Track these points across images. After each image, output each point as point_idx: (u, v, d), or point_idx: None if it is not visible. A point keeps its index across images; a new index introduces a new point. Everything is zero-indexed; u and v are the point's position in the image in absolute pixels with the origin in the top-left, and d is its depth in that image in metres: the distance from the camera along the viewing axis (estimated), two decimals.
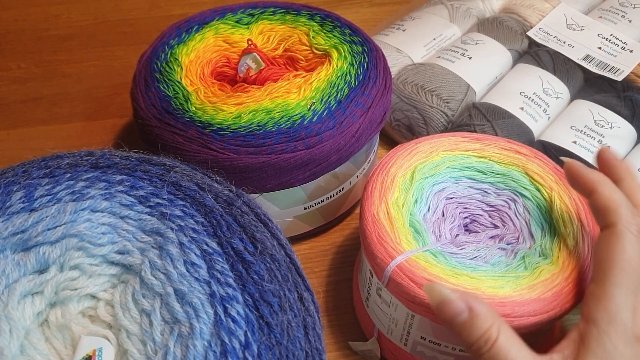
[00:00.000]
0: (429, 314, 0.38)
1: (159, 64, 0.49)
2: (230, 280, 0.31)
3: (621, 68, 0.57)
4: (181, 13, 0.75)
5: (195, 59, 0.50)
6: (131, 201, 0.34)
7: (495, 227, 0.42)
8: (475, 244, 0.41)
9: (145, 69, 0.50)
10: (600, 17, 0.63)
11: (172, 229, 0.33)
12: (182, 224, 0.33)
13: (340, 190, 0.50)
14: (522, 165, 0.44)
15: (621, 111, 0.55)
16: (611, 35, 0.61)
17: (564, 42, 0.60)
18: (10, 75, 0.69)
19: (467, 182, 0.44)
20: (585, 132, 0.53)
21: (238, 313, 0.30)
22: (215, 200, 0.35)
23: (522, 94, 0.56)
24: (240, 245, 0.33)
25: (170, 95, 0.46)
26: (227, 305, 0.30)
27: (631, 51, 0.59)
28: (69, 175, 0.35)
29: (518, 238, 0.41)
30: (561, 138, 0.53)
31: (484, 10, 0.67)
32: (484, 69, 0.59)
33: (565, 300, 0.37)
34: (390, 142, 0.62)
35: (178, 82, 0.47)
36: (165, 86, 0.47)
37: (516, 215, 0.42)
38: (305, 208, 0.49)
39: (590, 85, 0.59)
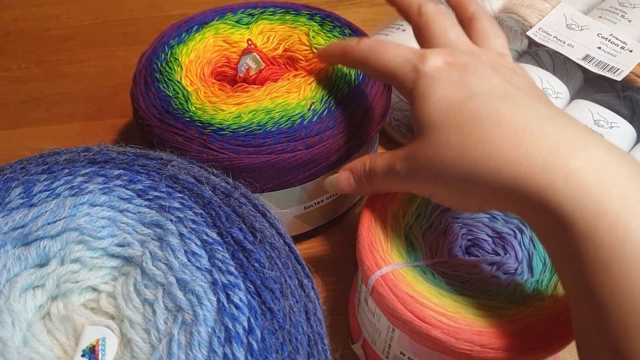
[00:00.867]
0: (408, 330, 0.38)
1: (159, 64, 0.50)
2: (232, 269, 0.33)
3: (621, 68, 0.58)
4: (181, 13, 0.76)
5: (195, 59, 0.51)
6: (130, 195, 0.35)
7: (497, 254, 0.43)
8: (470, 268, 0.41)
9: (145, 68, 0.50)
10: (600, 17, 0.63)
11: (171, 220, 0.34)
12: (181, 215, 0.34)
13: None
14: None
15: (621, 111, 0.56)
16: (611, 35, 0.61)
17: (564, 42, 0.61)
18: (10, 75, 0.70)
19: None
20: None
21: (240, 300, 0.32)
22: (213, 192, 0.36)
23: None
24: (239, 234, 0.34)
25: (170, 95, 0.47)
26: (230, 292, 0.32)
27: (631, 51, 0.59)
28: (67, 170, 0.36)
29: (517, 269, 0.42)
30: None
31: None
32: None
33: (548, 341, 0.37)
34: (390, 142, 0.62)
35: (178, 82, 0.48)
36: (165, 86, 0.48)
37: (520, 246, 0.42)
38: (305, 208, 0.50)
39: (589, 85, 0.60)
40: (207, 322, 0.31)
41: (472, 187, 0.35)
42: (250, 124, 0.45)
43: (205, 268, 0.33)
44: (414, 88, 0.39)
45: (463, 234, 0.43)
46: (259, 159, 0.45)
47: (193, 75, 0.50)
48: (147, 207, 0.35)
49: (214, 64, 0.53)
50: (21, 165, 0.37)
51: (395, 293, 0.38)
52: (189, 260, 0.33)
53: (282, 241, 0.36)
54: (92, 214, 0.35)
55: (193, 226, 0.34)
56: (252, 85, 0.50)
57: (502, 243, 0.43)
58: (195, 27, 0.54)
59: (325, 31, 0.53)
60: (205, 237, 0.34)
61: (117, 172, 0.37)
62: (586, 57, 0.61)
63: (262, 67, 0.51)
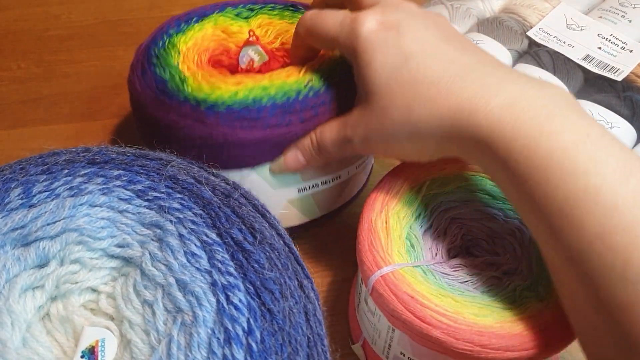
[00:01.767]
0: (408, 330, 0.38)
1: (157, 51, 0.50)
2: (231, 269, 0.33)
3: (621, 68, 0.58)
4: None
5: (193, 47, 0.52)
6: (129, 195, 0.35)
7: (496, 254, 0.42)
8: (470, 268, 0.41)
9: (143, 55, 0.50)
10: (600, 17, 0.63)
11: (171, 221, 0.34)
12: (181, 216, 0.34)
13: (336, 178, 0.50)
14: None
15: (621, 111, 0.56)
16: (611, 35, 0.61)
17: (564, 42, 0.61)
18: (10, 75, 0.70)
19: (477, 204, 0.44)
20: None
21: (240, 301, 0.32)
22: (212, 192, 0.36)
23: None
24: (239, 235, 0.34)
25: (167, 78, 0.47)
26: (229, 293, 0.32)
27: (631, 51, 0.59)
28: (66, 171, 0.36)
29: (516, 269, 0.41)
30: None
31: (483, 10, 0.67)
32: None
33: (548, 341, 0.37)
34: None
35: (175, 66, 0.48)
36: (162, 70, 0.48)
37: (520, 246, 0.42)
38: (298, 191, 0.49)
39: (590, 85, 0.60)
40: (206, 323, 0.31)
41: (421, 140, 0.40)
42: (245, 100, 0.45)
43: (205, 269, 0.33)
44: (355, 55, 0.42)
45: (463, 234, 0.43)
46: (253, 134, 0.44)
47: (190, 62, 0.50)
48: (147, 208, 0.35)
49: (212, 52, 0.53)
50: (20, 166, 0.37)
51: (395, 293, 0.38)
52: (188, 261, 0.33)
53: (281, 242, 0.36)
54: (92, 215, 0.35)
55: (193, 227, 0.34)
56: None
57: (502, 243, 0.43)
58: (195, 19, 0.54)
59: None
60: (204, 237, 0.34)
61: (116, 172, 0.37)
62: (586, 57, 0.60)
63: (265, 60, 0.51)
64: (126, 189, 0.36)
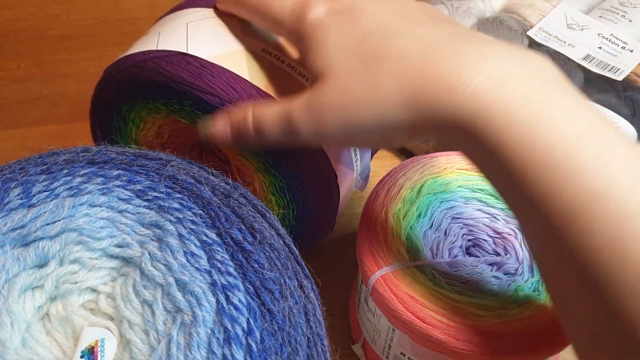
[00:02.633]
0: (408, 330, 0.38)
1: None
2: (231, 269, 0.33)
3: (621, 68, 0.58)
4: None
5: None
6: (129, 195, 0.35)
7: (497, 254, 0.42)
8: (471, 268, 0.41)
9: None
10: (601, 16, 0.63)
11: (170, 221, 0.34)
12: (181, 216, 0.34)
13: None
14: None
15: (621, 111, 0.56)
16: (611, 34, 0.61)
17: (564, 42, 0.61)
18: (10, 75, 0.70)
19: (478, 204, 0.44)
20: None
21: (240, 301, 0.32)
22: (212, 192, 0.36)
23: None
24: (239, 235, 0.34)
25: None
26: (229, 293, 0.32)
27: (631, 51, 0.59)
28: (66, 171, 0.36)
29: (517, 269, 0.41)
30: None
31: (484, 10, 0.67)
32: None
33: (548, 341, 0.37)
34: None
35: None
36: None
37: (521, 246, 0.42)
38: None
39: (590, 84, 0.60)
40: (206, 323, 0.31)
41: (391, 123, 0.34)
42: None
43: (205, 269, 0.33)
44: (302, 39, 0.38)
45: (463, 234, 0.43)
46: None
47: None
48: (146, 208, 0.35)
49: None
50: (20, 166, 0.37)
51: (396, 293, 0.38)
52: (188, 261, 0.33)
53: (281, 242, 0.36)
54: (91, 215, 0.35)
55: (192, 227, 0.34)
56: None
57: (502, 243, 0.43)
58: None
59: None
60: (204, 237, 0.34)
61: (116, 172, 0.37)
62: (587, 57, 0.60)
63: None
64: (126, 189, 0.36)
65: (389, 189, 0.44)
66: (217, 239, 0.34)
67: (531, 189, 0.31)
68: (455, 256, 0.42)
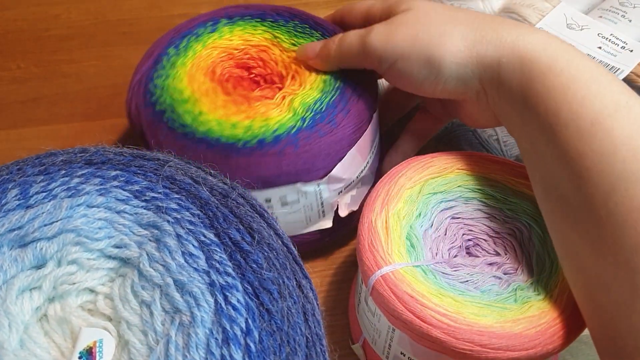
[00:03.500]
0: (408, 330, 0.38)
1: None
2: (229, 270, 0.33)
3: (621, 68, 0.58)
4: (181, 13, 0.76)
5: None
6: (126, 196, 0.35)
7: (497, 254, 0.42)
8: (471, 268, 0.41)
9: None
10: (601, 16, 0.63)
11: (168, 221, 0.34)
12: (179, 216, 0.34)
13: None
14: None
15: None
16: (611, 34, 0.61)
17: None
18: (10, 75, 0.70)
19: (478, 204, 0.44)
20: None
21: (238, 301, 0.32)
22: (210, 192, 0.36)
23: None
24: (237, 235, 0.34)
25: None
26: (227, 293, 0.32)
27: (631, 51, 0.59)
28: (63, 172, 0.36)
29: (517, 269, 0.41)
30: None
31: (484, 10, 0.67)
32: None
33: (548, 341, 0.37)
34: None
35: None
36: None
37: (521, 246, 0.42)
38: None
39: None
40: (204, 324, 0.31)
41: (452, 51, 0.42)
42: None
43: (203, 269, 0.33)
44: (393, 5, 0.47)
45: (463, 234, 0.43)
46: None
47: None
48: (144, 209, 0.35)
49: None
50: (18, 167, 0.37)
51: (396, 293, 0.38)
52: (186, 261, 0.33)
53: (280, 242, 0.36)
54: (89, 216, 0.34)
55: (190, 227, 0.34)
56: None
57: (502, 243, 0.43)
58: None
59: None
60: (202, 238, 0.34)
61: (114, 173, 0.37)
62: None
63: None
64: (123, 190, 0.36)
65: (389, 188, 0.44)
66: (216, 239, 0.34)
67: (570, 98, 0.37)
68: (455, 256, 0.42)
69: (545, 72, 0.39)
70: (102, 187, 0.36)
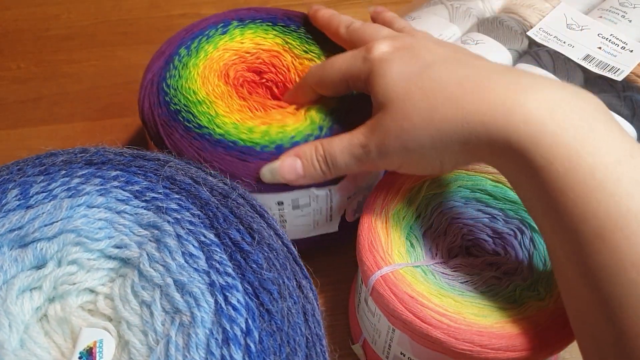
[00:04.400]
0: (408, 330, 0.38)
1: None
2: (229, 270, 0.33)
3: (621, 68, 0.58)
4: (181, 13, 0.75)
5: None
6: (127, 196, 0.35)
7: (497, 254, 0.42)
8: (470, 268, 0.41)
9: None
10: (601, 17, 0.63)
11: (168, 222, 0.34)
12: (179, 216, 0.34)
13: None
14: None
15: (621, 111, 0.56)
16: (611, 35, 0.61)
17: (564, 42, 0.61)
18: (10, 75, 0.70)
19: (477, 204, 0.44)
20: None
21: (238, 301, 0.32)
22: (210, 193, 0.36)
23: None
24: (237, 235, 0.34)
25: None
26: (227, 293, 0.32)
27: (631, 51, 0.59)
28: (63, 172, 0.36)
29: (517, 269, 0.41)
30: None
31: (483, 10, 0.67)
32: None
33: (547, 341, 0.37)
34: None
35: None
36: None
37: (521, 246, 0.42)
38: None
39: (590, 85, 0.60)
40: (204, 324, 0.31)
41: (445, 144, 0.37)
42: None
43: (203, 269, 0.33)
44: (369, 74, 0.41)
45: (463, 234, 0.43)
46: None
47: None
48: (144, 209, 0.35)
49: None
50: (18, 167, 0.37)
51: (396, 293, 0.38)
52: (186, 261, 0.33)
53: (280, 242, 0.36)
54: (89, 216, 0.35)
55: (190, 227, 0.34)
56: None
57: (502, 243, 0.43)
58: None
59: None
60: (202, 238, 0.34)
61: (114, 173, 0.37)
62: (586, 57, 0.60)
63: None
64: (124, 190, 0.36)
65: (389, 189, 0.44)
66: (216, 239, 0.34)
67: (570, 208, 0.32)
68: (455, 256, 0.42)
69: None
70: (102, 187, 0.36)
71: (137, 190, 0.36)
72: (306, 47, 0.52)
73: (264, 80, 0.51)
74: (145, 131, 0.49)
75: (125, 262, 0.34)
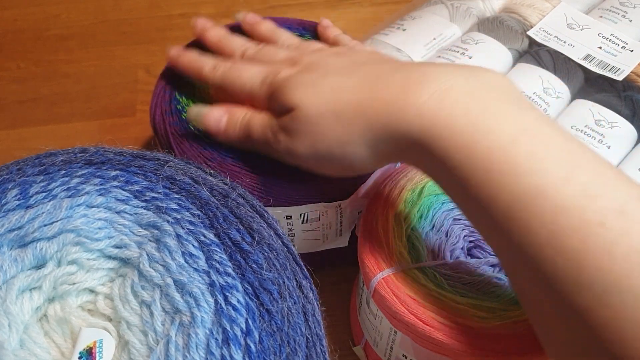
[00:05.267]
0: (410, 332, 0.38)
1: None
2: (229, 270, 0.33)
3: (621, 68, 0.58)
4: (181, 13, 0.76)
5: None
6: (126, 196, 0.35)
7: None
8: (473, 270, 0.41)
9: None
10: (601, 16, 0.63)
11: (168, 222, 0.34)
12: (179, 216, 0.34)
13: None
14: None
15: (621, 111, 0.55)
16: (611, 34, 0.61)
17: (565, 42, 0.61)
18: (9, 75, 0.70)
19: None
20: (585, 132, 0.53)
21: (238, 301, 0.32)
22: (210, 192, 0.36)
23: (522, 93, 0.55)
24: (237, 235, 0.34)
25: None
26: (227, 293, 0.32)
27: (631, 51, 0.59)
28: (63, 172, 0.36)
29: None
30: None
31: (484, 9, 0.67)
32: None
33: None
34: None
35: None
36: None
37: None
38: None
39: (590, 84, 0.60)
40: (204, 324, 0.31)
41: (353, 148, 0.37)
42: None
43: (203, 269, 0.33)
44: (274, 94, 0.41)
45: (465, 236, 0.43)
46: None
47: None
48: (144, 209, 0.35)
49: None
50: (17, 167, 0.37)
51: (397, 295, 0.38)
52: (186, 261, 0.33)
53: (280, 242, 0.36)
54: (89, 216, 0.34)
55: (190, 227, 0.34)
56: None
57: None
58: None
59: None
60: (202, 238, 0.34)
61: (114, 173, 0.37)
62: (587, 57, 0.60)
63: None
64: (123, 190, 0.36)
65: (390, 190, 0.44)
66: (216, 239, 0.34)
67: (476, 193, 0.32)
68: (457, 258, 0.42)
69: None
70: (102, 187, 0.36)
71: (136, 190, 0.36)
72: None
73: None
74: (156, 139, 0.49)
75: (125, 262, 0.34)
